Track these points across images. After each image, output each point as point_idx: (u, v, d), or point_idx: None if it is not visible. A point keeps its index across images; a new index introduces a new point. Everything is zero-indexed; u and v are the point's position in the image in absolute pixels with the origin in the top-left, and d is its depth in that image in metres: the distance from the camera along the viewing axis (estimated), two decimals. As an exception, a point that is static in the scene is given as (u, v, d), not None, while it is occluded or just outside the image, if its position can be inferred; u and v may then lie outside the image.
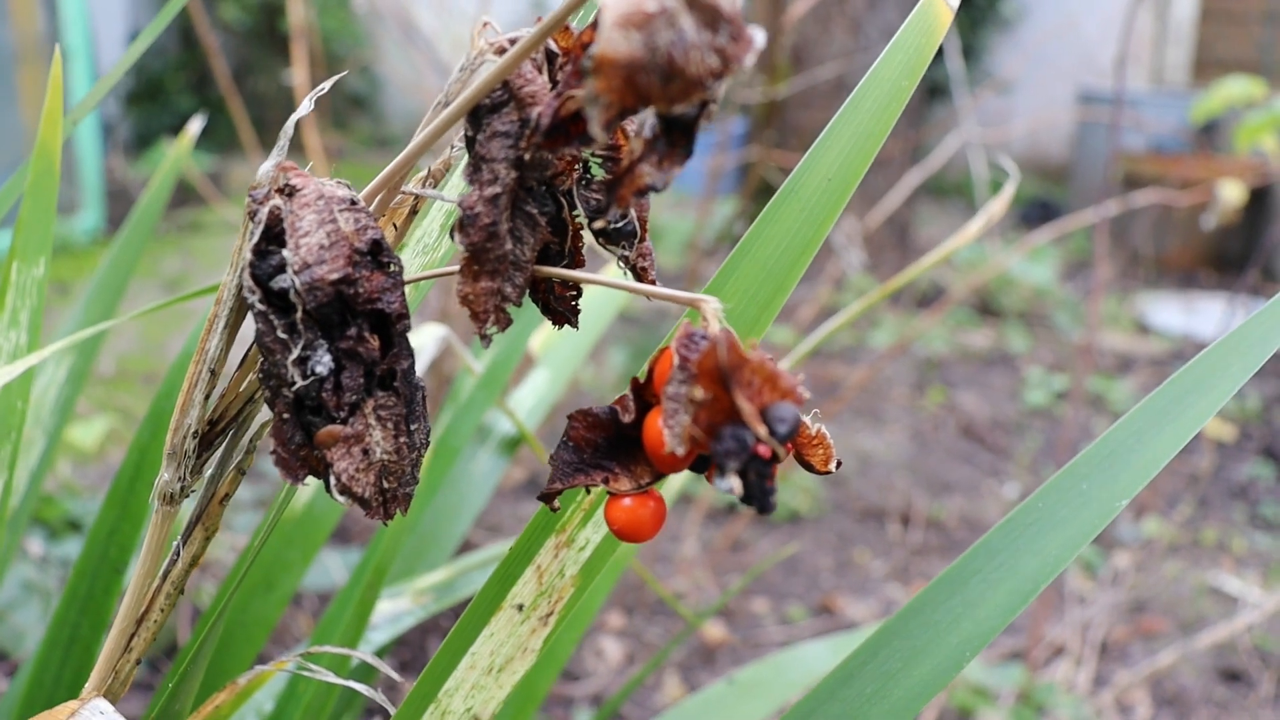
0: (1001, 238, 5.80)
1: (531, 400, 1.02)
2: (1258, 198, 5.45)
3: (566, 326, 0.45)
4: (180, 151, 1.11)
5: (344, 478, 0.38)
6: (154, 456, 0.80)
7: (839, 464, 0.39)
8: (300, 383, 0.38)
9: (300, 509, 0.87)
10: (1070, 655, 2.25)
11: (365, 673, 0.89)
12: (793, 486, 2.89)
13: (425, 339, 0.91)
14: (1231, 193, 2.66)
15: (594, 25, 0.31)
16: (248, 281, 0.38)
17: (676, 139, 0.32)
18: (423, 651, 2.06)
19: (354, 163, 7.82)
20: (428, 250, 0.50)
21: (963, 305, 4.68)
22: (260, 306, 0.38)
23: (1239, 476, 3.23)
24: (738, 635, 2.33)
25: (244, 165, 6.91)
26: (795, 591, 2.53)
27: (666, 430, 0.34)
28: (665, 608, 2.41)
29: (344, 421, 0.38)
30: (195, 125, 1.14)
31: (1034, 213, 6.69)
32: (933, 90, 7.55)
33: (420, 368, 0.95)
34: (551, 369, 1.04)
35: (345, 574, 2.13)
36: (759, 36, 0.30)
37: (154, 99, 7.72)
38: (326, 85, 0.41)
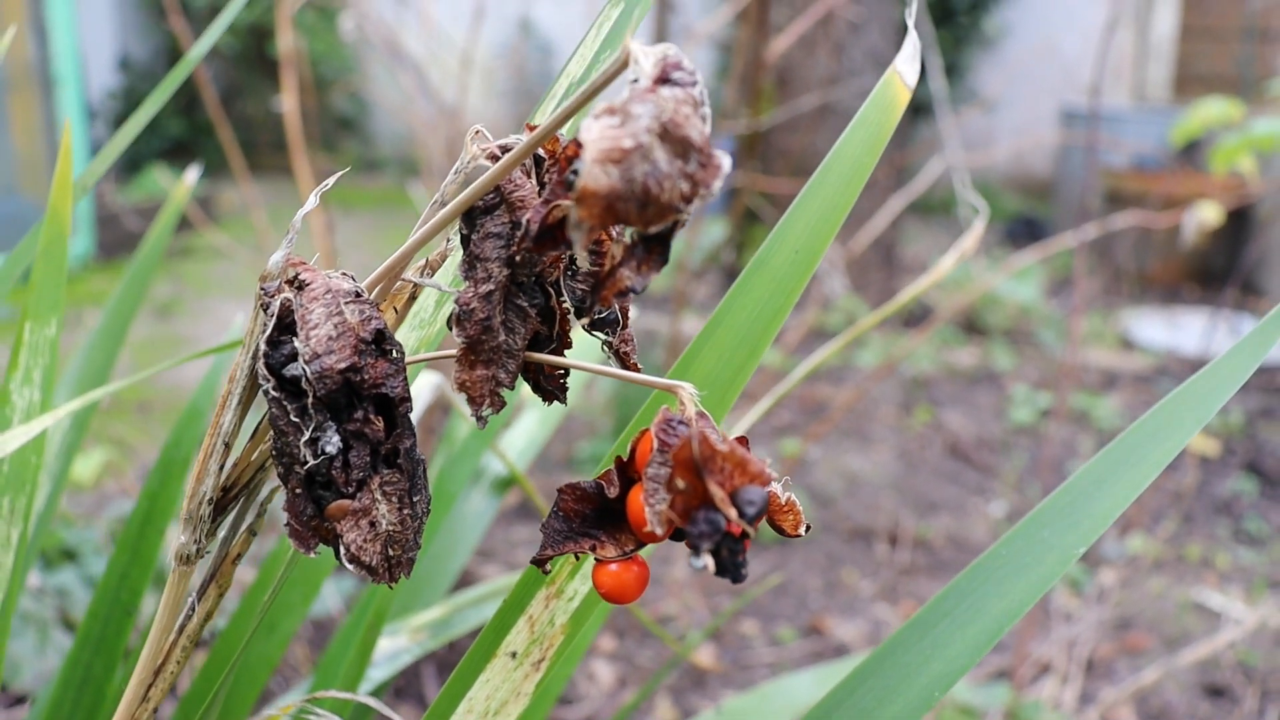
0: (987, 255, 5.85)
1: (522, 442, 1.06)
2: (1240, 213, 5.51)
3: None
4: (178, 200, 1.14)
5: (353, 548, 0.42)
6: (163, 504, 0.83)
7: (808, 527, 0.43)
8: (311, 461, 0.41)
9: (301, 551, 0.90)
10: (1056, 673, 2.28)
11: (362, 708, 0.92)
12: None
13: (420, 386, 0.95)
14: (1208, 214, 2.70)
15: (577, 141, 0.34)
16: (262, 370, 0.42)
17: (653, 248, 0.35)
18: (416, 678, 2.09)
19: (343, 186, 7.86)
20: (423, 325, 0.54)
21: (949, 324, 4.72)
22: (274, 393, 0.41)
23: (1223, 492, 3.26)
24: (728, 657, 2.36)
25: (233, 190, 6.94)
26: (784, 613, 2.56)
27: (647, 509, 0.37)
28: (656, 630, 2.43)
29: (352, 496, 0.42)
30: (192, 175, 1.18)
31: (1019, 229, 6.74)
32: (917, 109, 7.61)
33: (415, 414, 0.98)
34: (541, 410, 1.07)
35: (339, 601, 2.16)
36: (726, 161, 0.33)
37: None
38: (331, 181, 0.45)
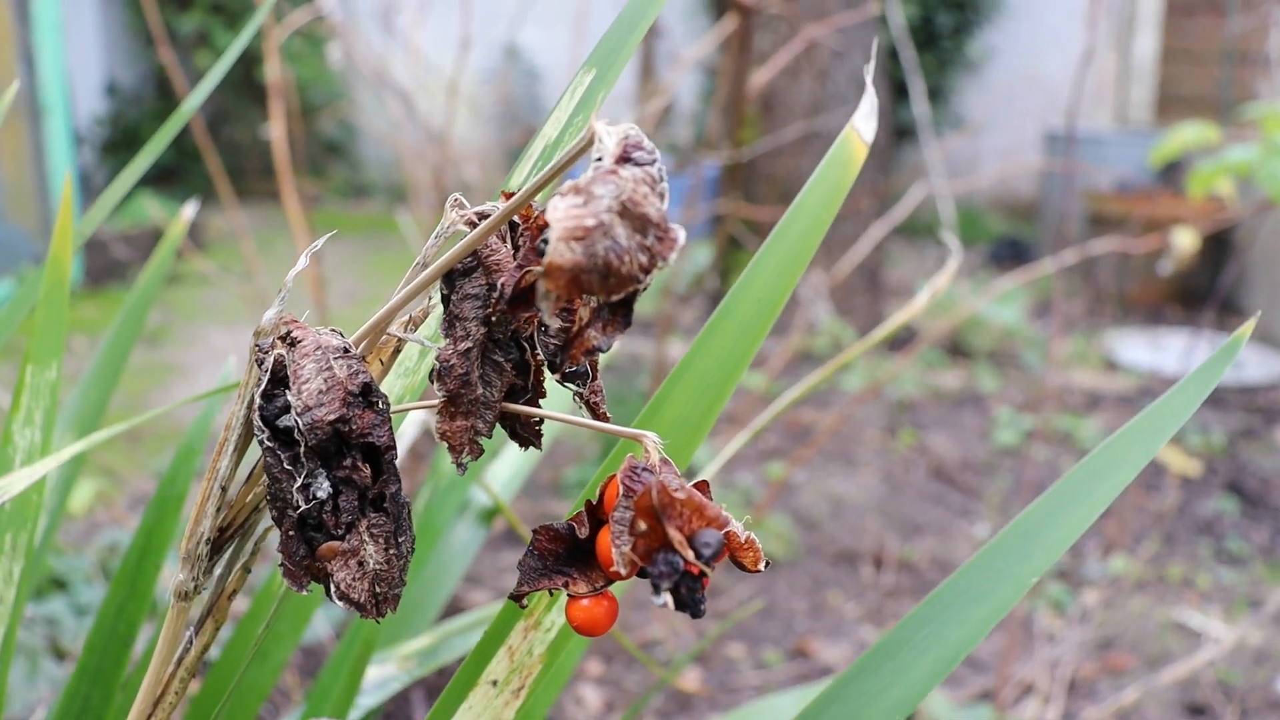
0: (971, 278, 5.90)
1: (508, 473, 1.09)
2: (1220, 235, 5.57)
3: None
4: (174, 237, 1.17)
5: (343, 586, 0.45)
6: (159, 539, 0.86)
7: (767, 563, 0.46)
8: (303, 506, 0.45)
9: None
10: (1039, 693, 2.31)
11: (354, 734, 0.94)
12: (767, 532, 2.95)
13: (406, 423, 0.98)
14: (1185, 240, 2.74)
15: (545, 213, 0.37)
16: (257, 421, 0.45)
17: (617, 311, 0.38)
18: (406, 703, 2.11)
19: (330, 211, 7.89)
20: (409, 373, 0.57)
21: (933, 346, 4.76)
22: (269, 443, 0.45)
23: (1205, 512, 3.30)
24: (714, 681, 2.38)
25: (221, 216, 6.96)
26: (770, 636, 2.58)
27: (614, 550, 0.41)
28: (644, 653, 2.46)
29: (342, 538, 0.45)
30: (189, 211, 1.21)
31: (1003, 251, 6.79)
32: (902, 134, 7.67)
33: (402, 445, 1.01)
34: (526, 442, 1.10)
35: (328, 627, 2.18)
36: (681, 235, 0.37)
37: (130, 148, 7.77)
38: (320, 243, 0.48)
